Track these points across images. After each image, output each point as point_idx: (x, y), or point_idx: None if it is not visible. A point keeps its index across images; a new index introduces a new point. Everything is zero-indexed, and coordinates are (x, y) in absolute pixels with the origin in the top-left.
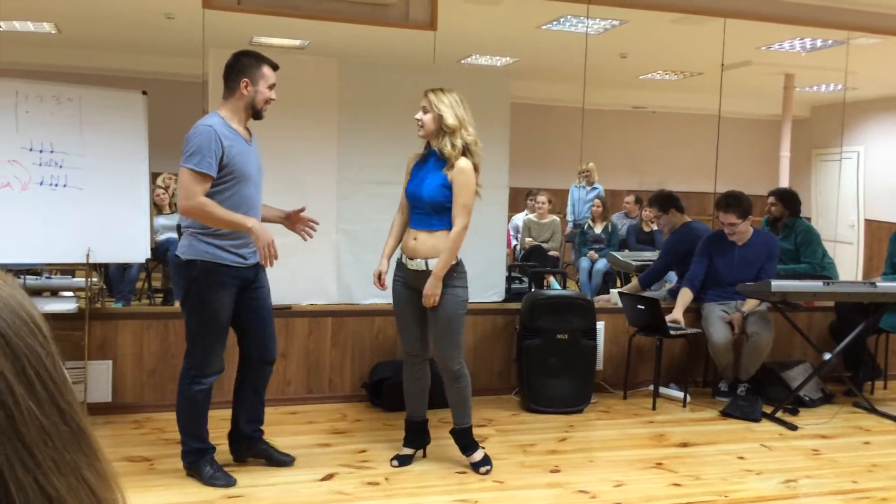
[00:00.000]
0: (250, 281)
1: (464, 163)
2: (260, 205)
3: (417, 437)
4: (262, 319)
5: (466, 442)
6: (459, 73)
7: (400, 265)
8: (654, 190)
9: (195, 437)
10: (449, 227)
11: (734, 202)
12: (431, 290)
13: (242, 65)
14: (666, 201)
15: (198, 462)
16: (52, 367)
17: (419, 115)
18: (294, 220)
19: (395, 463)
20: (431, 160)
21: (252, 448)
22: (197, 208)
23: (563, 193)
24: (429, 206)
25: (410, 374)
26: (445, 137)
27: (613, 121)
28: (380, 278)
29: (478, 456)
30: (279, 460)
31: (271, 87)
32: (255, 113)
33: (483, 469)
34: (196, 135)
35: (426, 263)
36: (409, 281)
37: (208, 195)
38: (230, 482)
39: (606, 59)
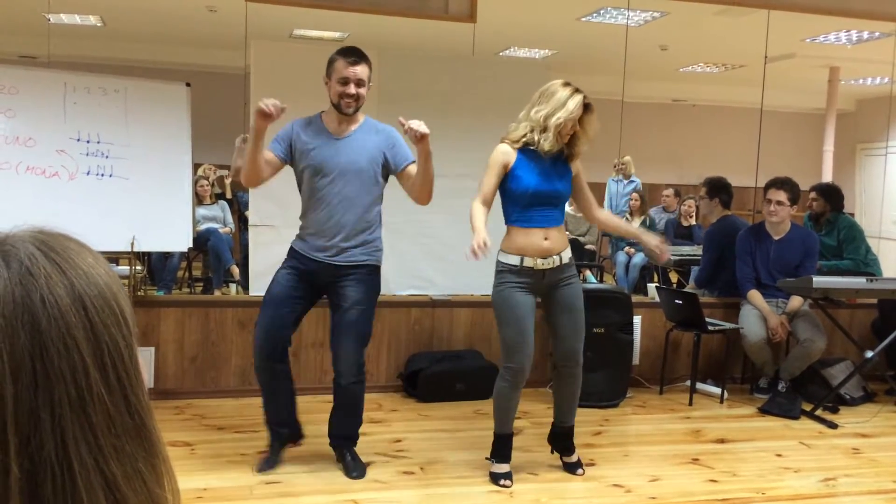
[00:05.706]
0: (326, 281)
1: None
2: (351, 197)
3: (509, 451)
4: (338, 336)
5: (572, 441)
6: (498, 65)
7: (522, 272)
8: (693, 184)
9: (267, 409)
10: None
11: (788, 182)
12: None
13: (328, 63)
14: (717, 188)
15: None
16: (129, 360)
17: (569, 127)
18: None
19: (509, 483)
20: (542, 156)
21: (336, 451)
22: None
23: (601, 187)
24: (562, 202)
25: (515, 387)
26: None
27: (653, 114)
28: (485, 245)
29: (576, 456)
30: (350, 475)
31: (342, 81)
32: (337, 107)
33: (580, 471)
34: None
35: (560, 258)
36: (534, 284)
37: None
38: (262, 469)
39: (647, 51)
